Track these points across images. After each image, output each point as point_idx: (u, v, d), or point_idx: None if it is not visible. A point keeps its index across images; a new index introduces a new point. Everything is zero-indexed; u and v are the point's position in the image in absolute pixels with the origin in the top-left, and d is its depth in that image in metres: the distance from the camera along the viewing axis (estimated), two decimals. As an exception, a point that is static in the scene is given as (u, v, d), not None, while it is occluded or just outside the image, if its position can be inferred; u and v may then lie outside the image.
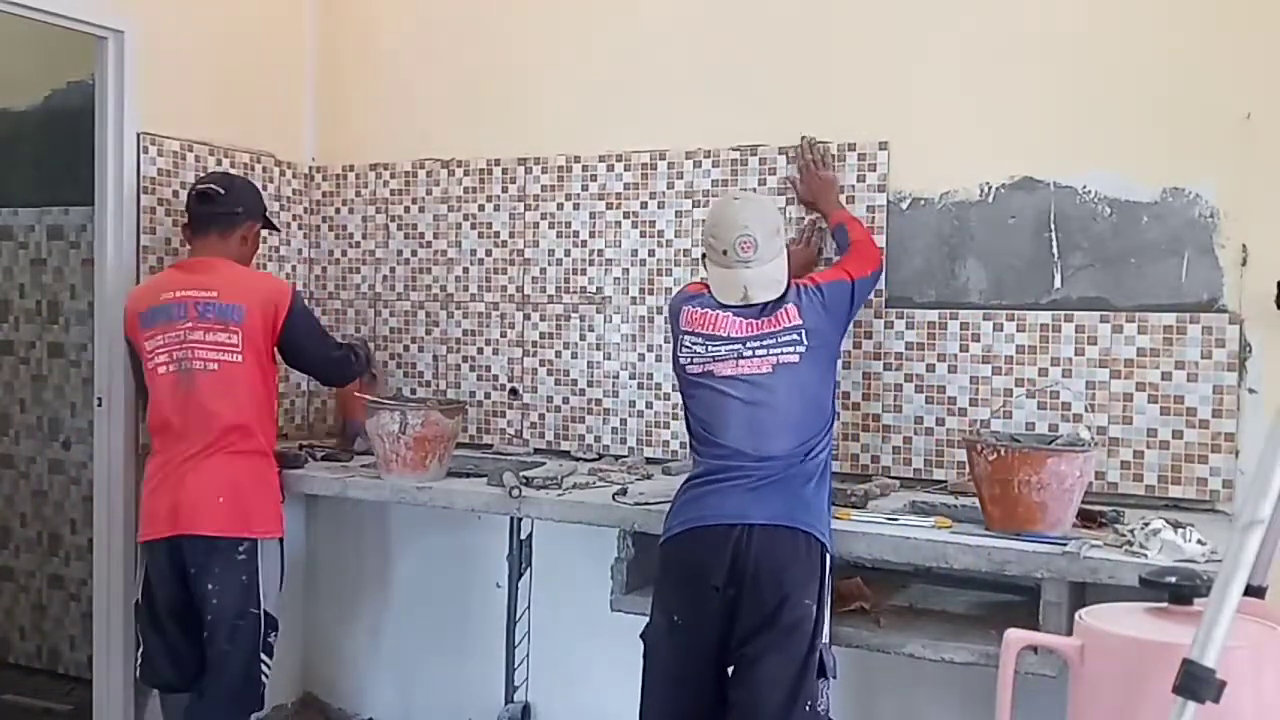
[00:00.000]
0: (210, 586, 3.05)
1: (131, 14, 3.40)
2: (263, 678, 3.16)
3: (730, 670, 2.55)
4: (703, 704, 2.59)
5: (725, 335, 2.67)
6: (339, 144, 4.07)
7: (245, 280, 3.20)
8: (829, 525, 2.61)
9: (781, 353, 2.65)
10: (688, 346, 2.73)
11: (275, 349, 3.22)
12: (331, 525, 3.99)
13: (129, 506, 3.45)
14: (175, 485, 3.07)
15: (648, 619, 2.69)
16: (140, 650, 3.21)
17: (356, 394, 3.46)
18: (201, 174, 3.64)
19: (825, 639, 2.53)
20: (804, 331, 2.66)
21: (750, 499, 2.56)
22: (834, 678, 2.54)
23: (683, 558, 2.61)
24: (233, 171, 3.44)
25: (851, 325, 2.96)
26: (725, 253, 2.66)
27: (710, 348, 2.68)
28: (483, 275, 3.81)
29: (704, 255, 2.77)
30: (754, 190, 3.35)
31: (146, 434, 3.29)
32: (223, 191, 3.21)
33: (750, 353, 2.65)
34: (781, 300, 2.68)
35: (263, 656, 3.15)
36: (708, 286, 2.74)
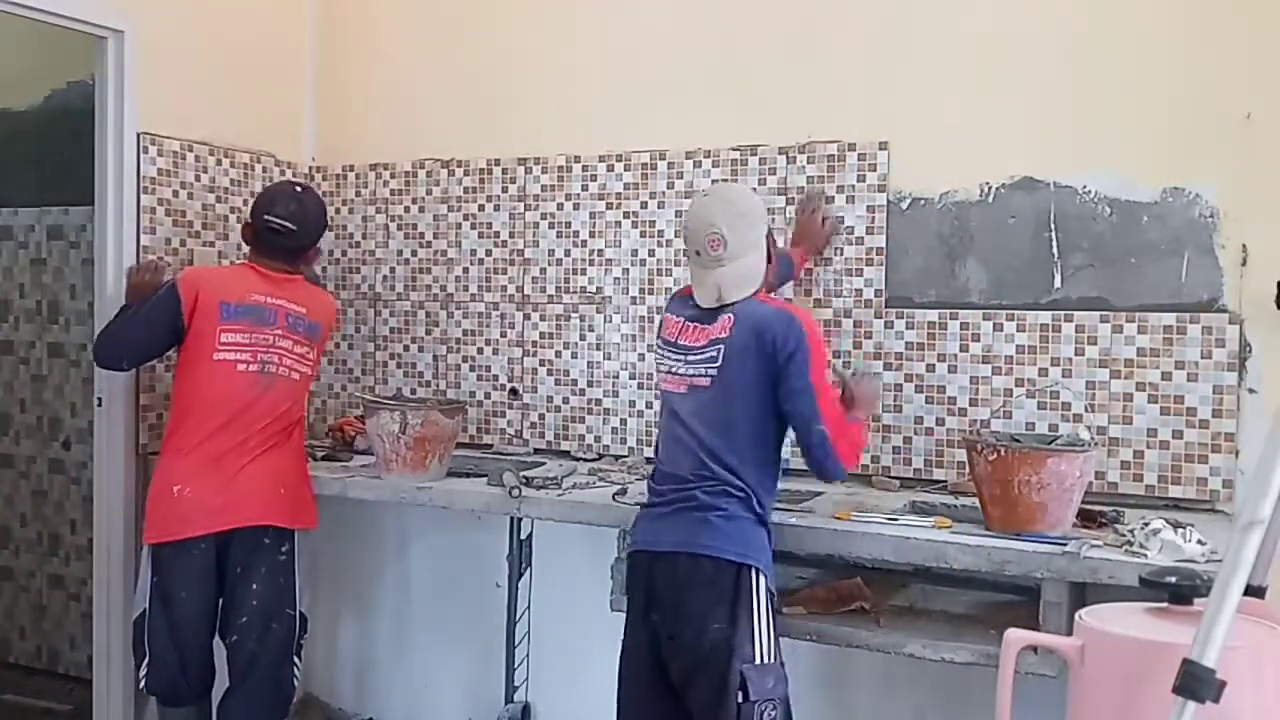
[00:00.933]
0: (254, 586, 3.08)
1: (131, 14, 3.40)
2: (294, 682, 3.17)
3: None
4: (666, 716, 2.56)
5: (677, 343, 2.63)
6: (339, 144, 4.07)
7: (321, 300, 3.35)
8: (754, 543, 2.48)
9: (695, 375, 2.55)
10: (657, 351, 2.74)
11: None
12: (331, 525, 3.97)
13: (129, 506, 3.44)
14: (226, 480, 3.04)
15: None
16: (147, 660, 3.09)
17: None
18: (201, 174, 3.65)
19: (763, 659, 2.42)
20: (723, 346, 2.51)
21: (660, 525, 2.54)
22: (772, 698, 2.41)
23: (625, 583, 2.66)
24: (301, 192, 3.31)
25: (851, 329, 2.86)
26: (698, 253, 2.57)
27: (666, 355, 2.66)
28: (483, 275, 3.81)
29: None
30: (754, 189, 3.35)
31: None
32: (296, 228, 3.19)
33: (680, 372, 2.60)
34: (727, 307, 2.55)
35: (295, 660, 3.18)
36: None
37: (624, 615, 2.67)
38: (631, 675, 2.63)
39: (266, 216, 3.18)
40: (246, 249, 3.32)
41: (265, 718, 3.14)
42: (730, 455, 2.51)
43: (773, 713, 2.43)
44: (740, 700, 2.39)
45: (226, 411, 3.07)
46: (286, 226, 3.18)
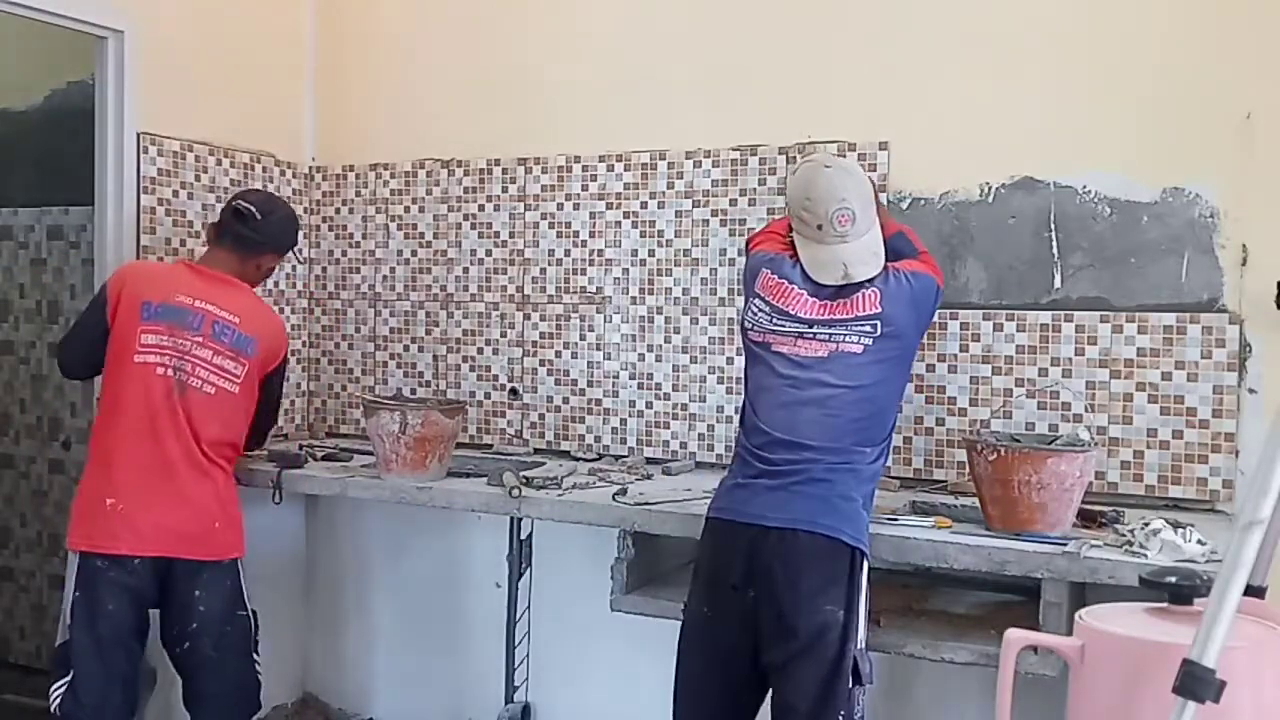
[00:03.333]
0: (197, 594, 2.95)
1: (131, 14, 3.40)
2: (257, 679, 3.10)
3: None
4: (732, 692, 2.50)
5: (793, 314, 2.55)
6: (339, 144, 4.07)
7: (263, 315, 3.16)
8: (864, 528, 2.45)
9: (845, 339, 2.50)
10: (754, 310, 2.63)
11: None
12: (331, 525, 3.99)
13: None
14: (165, 504, 2.90)
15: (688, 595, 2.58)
16: (70, 679, 2.86)
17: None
18: (201, 174, 3.66)
19: (860, 644, 2.41)
20: (879, 321, 2.50)
21: (772, 500, 2.43)
22: (869, 684, 2.42)
23: (707, 552, 2.54)
24: (279, 197, 3.39)
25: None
26: (820, 227, 2.49)
27: (775, 321, 2.56)
28: (483, 275, 3.81)
29: (789, 228, 2.63)
30: (754, 189, 3.36)
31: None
32: (259, 218, 3.10)
33: (812, 335, 2.52)
34: (866, 282, 2.52)
35: (255, 657, 3.10)
36: (793, 248, 2.59)
37: (690, 583, 2.56)
38: (700, 646, 2.53)
39: (236, 201, 3.13)
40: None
41: (237, 717, 3.08)
42: (871, 427, 2.48)
43: (862, 696, 2.43)
44: (850, 684, 2.37)
45: (148, 418, 2.92)
46: (251, 210, 3.08)
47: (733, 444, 2.84)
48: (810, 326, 2.54)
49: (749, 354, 2.66)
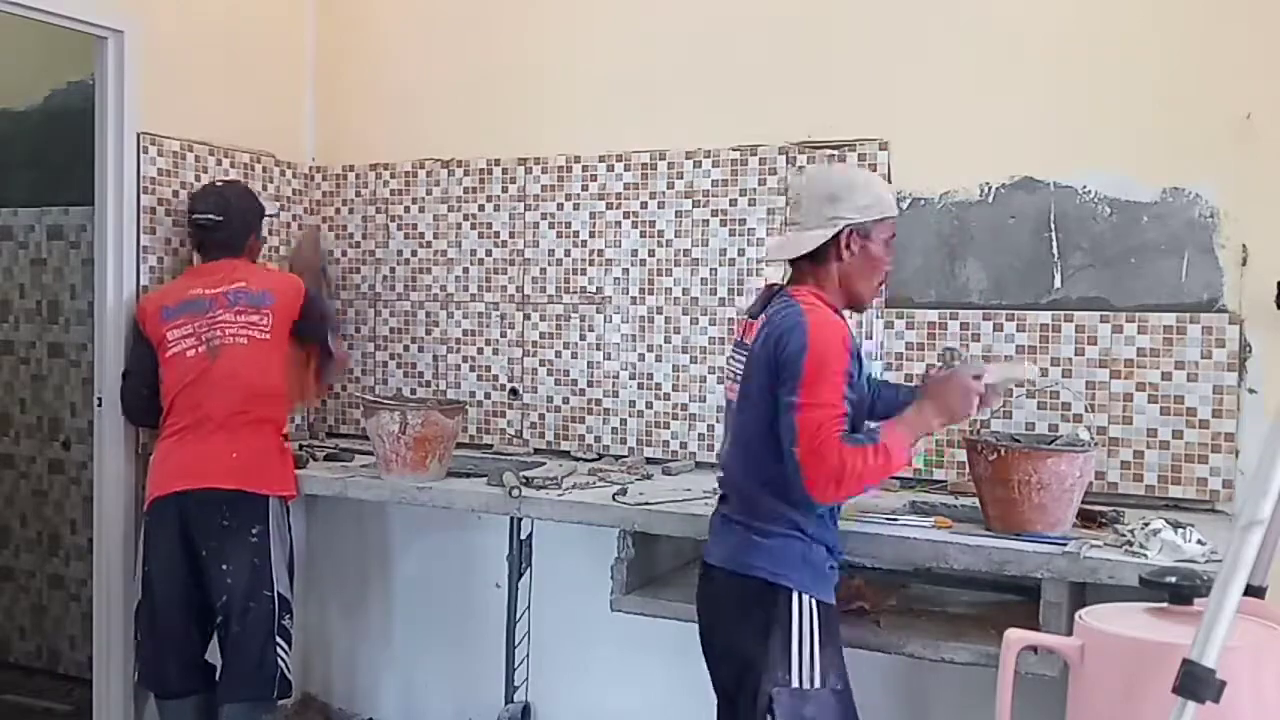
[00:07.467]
0: (225, 567, 3.10)
1: (131, 14, 3.40)
2: (279, 662, 3.16)
3: None
4: None
5: (741, 341, 2.46)
6: (339, 144, 4.07)
7: (269, 274, 3.45)
8: (790, 561, 2.29)
9: (731, 382, 2.43)
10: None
11: (292, 333, 3.36)
12: (331, 525, 3.99)
13: (129, 506, 3.44)
14: (189, 447, 3.14)
15: None
16: (138, 652, 3.19)
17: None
18: (201, 174, 3.65)
19: (803, 684, 2.27)
20: (747, 359, 2.35)
21: (714, 537, 2.44)
22: None
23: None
24: (222, 185, 3.49)
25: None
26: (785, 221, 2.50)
27: (731, 361, 2.50)
28: (483, 275, 3.81)
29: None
30: (754, 189, 3.37)
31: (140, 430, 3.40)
32: (220, 219, 3.35)
33: (733, 374, 2.43)
34: (765, 309, 2.37)
35: (279, 640, 3.16)
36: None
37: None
38: (718, 692, 2.51)
39: (193, 216, 3.38)
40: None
41: (251, 695, 3.12)
42: (747, 471, 2.36)
43: None
44: None
45: (186, 395, 3.18)
46: (211, 219, 3.34)
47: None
48: (734, 357, 2.45)
49: None
